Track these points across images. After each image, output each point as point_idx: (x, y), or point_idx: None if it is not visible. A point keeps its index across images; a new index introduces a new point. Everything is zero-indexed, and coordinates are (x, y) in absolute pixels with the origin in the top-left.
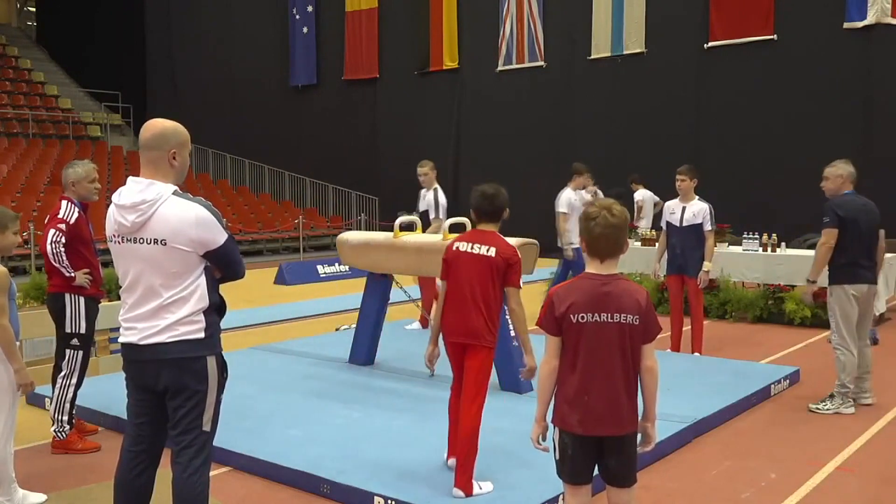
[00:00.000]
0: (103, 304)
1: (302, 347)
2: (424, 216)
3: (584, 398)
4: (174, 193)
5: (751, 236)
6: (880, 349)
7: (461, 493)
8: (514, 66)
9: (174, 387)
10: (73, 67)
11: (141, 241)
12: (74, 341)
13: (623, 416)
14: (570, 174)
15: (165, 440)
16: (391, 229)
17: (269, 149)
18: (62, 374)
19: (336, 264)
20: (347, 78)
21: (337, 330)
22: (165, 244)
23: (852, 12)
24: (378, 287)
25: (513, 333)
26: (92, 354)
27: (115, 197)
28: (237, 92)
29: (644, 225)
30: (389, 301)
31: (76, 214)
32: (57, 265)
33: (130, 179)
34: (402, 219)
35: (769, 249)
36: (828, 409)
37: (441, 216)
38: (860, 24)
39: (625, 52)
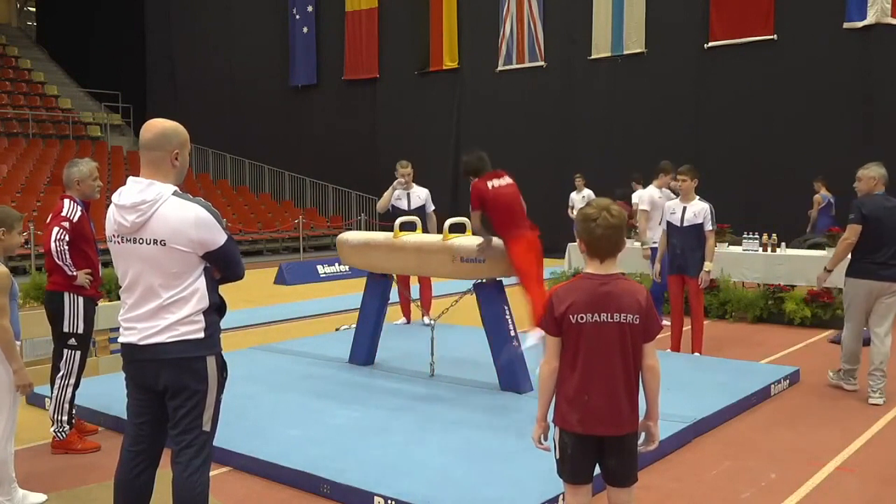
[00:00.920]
0: (103, 304)
1: (302, 347)
2: (419, 212)
3: (585, 398)
4: (174, 194)
5: (751, 236)
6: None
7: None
8: (514, 66)
9: (174, 387)
10: (73, 67)
11: (140, 241)
12: (72, 341)
13: (623, 416)
14: (656, 172)
15: (165, 440)
16: (391, 229)
17: (269, 149)
18: (60, 374)
19: (336, 264)
20: (347, 78)
21: (337, 330)
22: (165, 244)
23: (852, 12)
24: (378, 287)
25: (513, 333)
26: (92, 354)
27: (114, 197)
28: (237, 92)
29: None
30: (389, 301)
31: (79, 213)
32: (60, 263)
33: (130, 179)
34: (402, 219)
35: (769, 249)
36: (831, 378)
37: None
38: (860, 24)
39: (625, 52)
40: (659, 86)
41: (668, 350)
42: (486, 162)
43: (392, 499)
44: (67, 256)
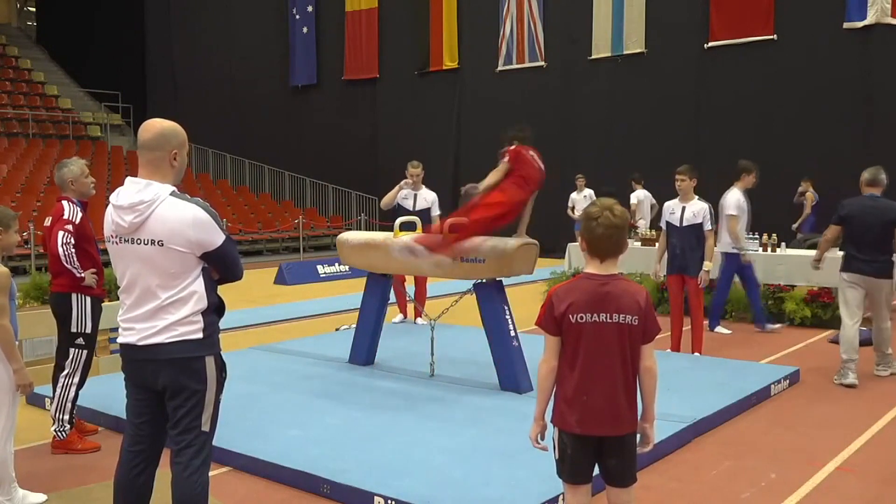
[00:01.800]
0: (103, 303)
1: (302, 347)
2: (423, 215)
3: (583, 398)
4: (172, 194)
5: (751, 236)
6: None
7: None
8: (514, 66)
9: (173, 387)
10: (73, 67)
11: (138, 241)
12: (79, 340)
13: (622, 417)
14: (738, 172)
15: (165, 440)
16: (391, 229)
17: (269, 149)
18: (64, 373)
19: (336, 264)
20: (347, 78)
21: (337, 330)
22: (163, 245)
23: (852, 12)
24: (378, 287)
25: (513, 333)
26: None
27: (112, 197)
28: (237, 92)
29: (643, 225)
30: (389, 301)
31: (80, 214)
32: (69, 266)
33: (128, 180)
34: (403, 219)
35: (769, 249)
36: (836, 380)
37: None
38: (860, 24)
39: (625, 52)
40: (659, 86)
41: (668, 350)
42: (531, 136)
43: (392, 499)
44: (75, 259)
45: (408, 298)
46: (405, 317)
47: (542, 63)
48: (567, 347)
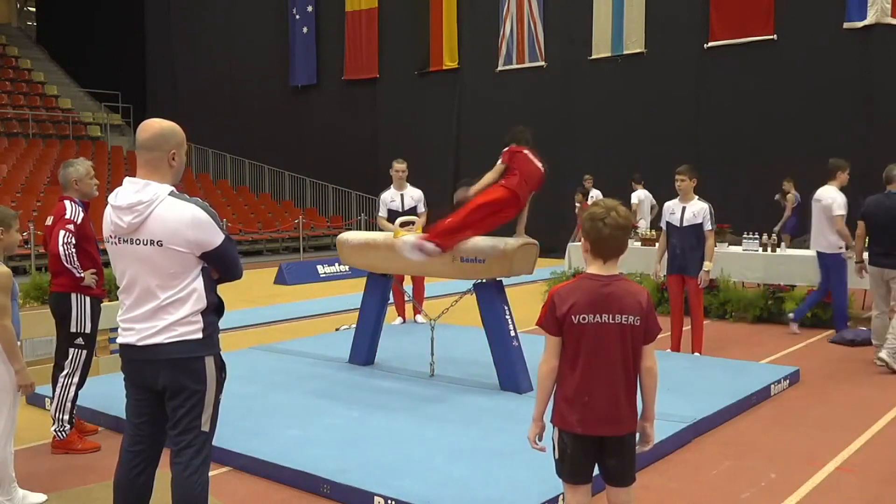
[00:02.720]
0: (103, 304)
1: (302, 347)
2: (413, 213)
3: (584, 398)
4: (170, 194)
5: (751, 236)
6: None
7: None
8: (514, 66)
9: (173, 387)
10: (73, 67)
11: (137, 241)
12: (79, 340)
13: (623, 417)
14: (832, 171)
15: (165, 440)
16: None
17: (269, 149)
18: (64, 373)
19: (336, 264)
20: (347, 78)
21: (337, 330)
22: (162, 245)
23: (852, 12)
24: (378, 287)
25: (513, 333)
26: (93, 354)
27: (111, 198)
28: (237, 92)
29: (643, 225)
30: (389, 301)
31: (81, 214)
32: (69, 266)
33: (127, 180)
34: (402, 219)
35: (769, 249)
36: (881, 362)
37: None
38: (860, 24)
39: (625, 52)
40: (659, 86)
41: (668, 350)
42: (529, 137)
43: (392, 499)
44: (75, 259)
45: (406, 298)
46: (404, 320)
47: (542, 63)
48: (568, 348)
